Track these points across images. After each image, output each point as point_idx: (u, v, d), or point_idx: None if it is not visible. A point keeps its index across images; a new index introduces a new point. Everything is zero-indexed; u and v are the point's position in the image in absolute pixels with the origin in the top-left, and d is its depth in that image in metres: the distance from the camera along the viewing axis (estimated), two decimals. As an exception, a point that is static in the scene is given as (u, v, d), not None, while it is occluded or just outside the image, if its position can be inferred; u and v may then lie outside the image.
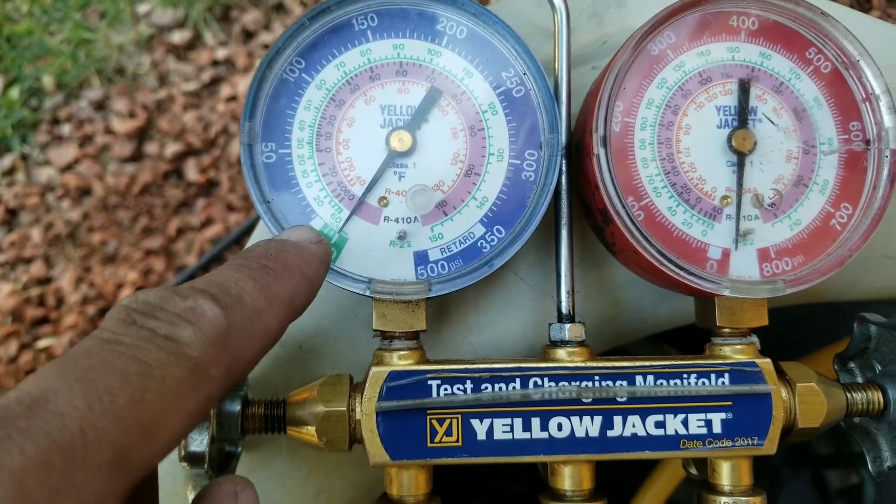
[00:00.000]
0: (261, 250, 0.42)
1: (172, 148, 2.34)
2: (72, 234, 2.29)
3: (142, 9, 2.67)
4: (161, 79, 2.51)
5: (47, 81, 2.60)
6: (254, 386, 0.55)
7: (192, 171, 2.30)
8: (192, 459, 0.46)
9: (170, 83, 2.50)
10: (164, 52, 2.56)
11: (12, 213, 2.36)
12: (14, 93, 2.59)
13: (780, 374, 0.51)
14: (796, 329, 0.74)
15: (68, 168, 2.42)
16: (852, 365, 0.57)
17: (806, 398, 0.50)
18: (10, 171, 2.43)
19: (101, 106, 2.52)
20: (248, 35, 2.54)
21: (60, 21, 2.74)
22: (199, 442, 0.46)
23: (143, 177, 2.28)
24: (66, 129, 2.51)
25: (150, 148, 2.35)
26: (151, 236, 2.21)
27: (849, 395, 0.52)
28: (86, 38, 2.66)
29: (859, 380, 0.56)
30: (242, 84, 2.43)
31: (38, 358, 2.11)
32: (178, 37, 2.57)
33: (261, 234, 0.60)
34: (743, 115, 0.51)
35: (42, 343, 2.14)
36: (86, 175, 2.35)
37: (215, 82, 2.47)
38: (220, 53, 2.52)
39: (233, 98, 2.41)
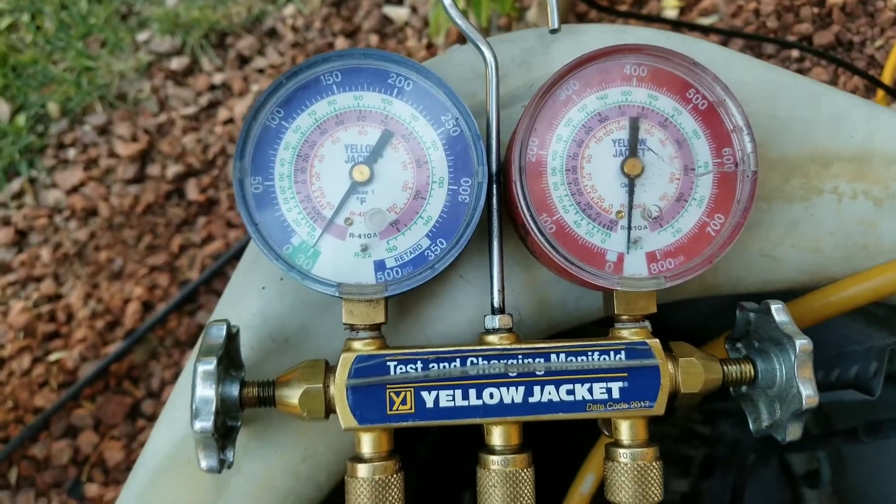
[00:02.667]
0: None
1: (173, 169, 2.46)
2: (79, 253, 2.41)
3: (141, 37, 2.80)
4: (161, 103, 2.65)
5: (52, 108, 2.72)
6: (250, 372, 0.68)
7: (192, 191, 2.42)
8: (202, 430, 0.59)
9: (169, 107, 2.63)
10: (164, 77, 2.69)
11: (22, 235, 2.48)
12: (21, 119, 2.71)
13: (668, 351, 0.64)
14: (711, 319, 0.87)
15: (74, 190, 2.55)
16: (739, 345, 0.70)
17: (687, 369, 0.63)
18: (19, 195, 2.55)
19: (104, 130, 2.65)
20: (243, 60, 2.68)
21: (63, 50, 2.87)
22: (206, 415, 0.59)
23: (146, 197, 2.40)
24: (71, 153, 2.63)
25: (153, 170, 2.48)
26: (155, 253, 2.33)
27: (725, 367, 0.64)
28: (88, 65, 2.79)
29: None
30: (238, 107, 2.56)
31: (50, 370, 2.23)
32: (177, 63, 2.70)
33: (255, 248, 0.73)
34: (633, 146, 0.64)
35: (53, 356, 2.26)
36: (91, 196, 2.47)
37: (213, 106, 2.61)
38: (217, 78, 2.65)
39: (230, 121, 2.53)
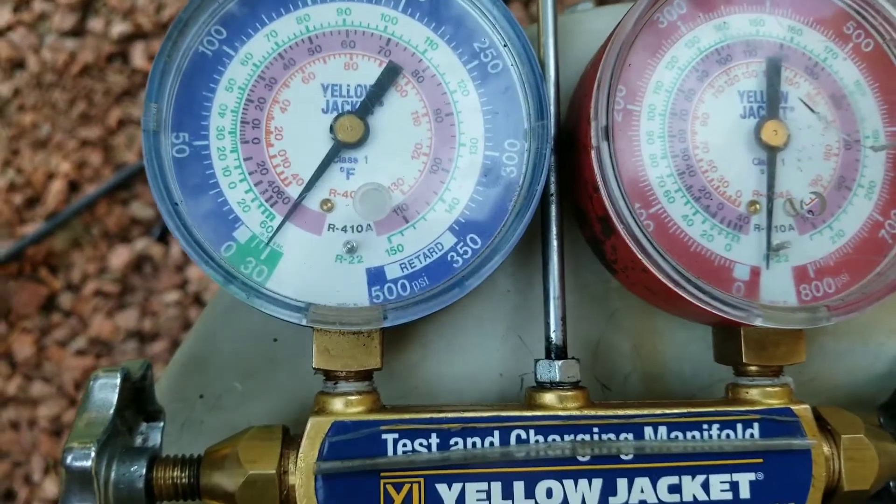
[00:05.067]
0: None
1: (119, 27, 2.11)
2: (0, 110, 2.09)
3: None
4: (113, -55, 2.32)
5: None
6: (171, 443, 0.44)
7: (139, 57, 2.09)
8: None
9: (123, -49, 2.30)
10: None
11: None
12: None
13: (820, 422, 0.41)
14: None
15: (0, 34, 2.21)
16: None
17: (853, 454, 0.40)
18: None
19: (42, -33, 2.30)
20: None
21: None
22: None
23: (83, 56, 2.08)
24: (-1, -13, 2.28)
25: (95, 24, 2.14)
26: (89, 125, 2.03)
27: (901, 447, 0.42)
28: None
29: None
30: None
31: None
32: None
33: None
34: (773, 101, 0.42)
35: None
36: (20, 45, 2.12)
37: (175, -44, 2.30)
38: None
39: (193, -20, 2.21)
